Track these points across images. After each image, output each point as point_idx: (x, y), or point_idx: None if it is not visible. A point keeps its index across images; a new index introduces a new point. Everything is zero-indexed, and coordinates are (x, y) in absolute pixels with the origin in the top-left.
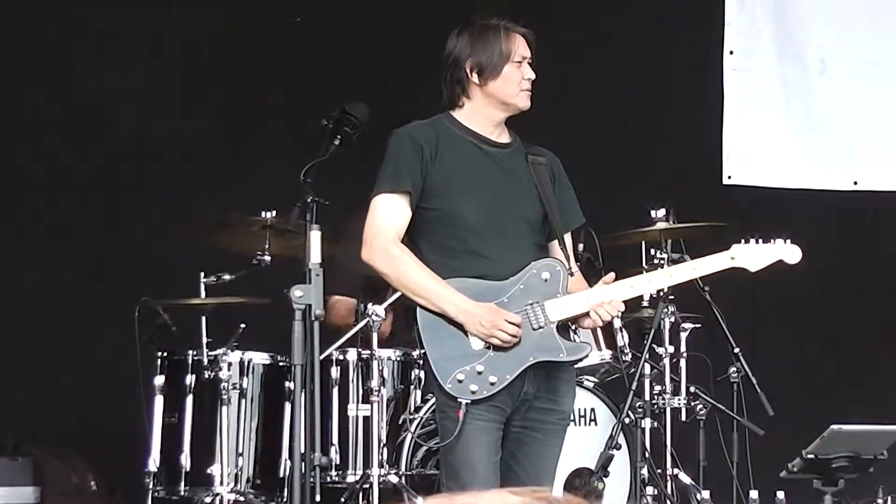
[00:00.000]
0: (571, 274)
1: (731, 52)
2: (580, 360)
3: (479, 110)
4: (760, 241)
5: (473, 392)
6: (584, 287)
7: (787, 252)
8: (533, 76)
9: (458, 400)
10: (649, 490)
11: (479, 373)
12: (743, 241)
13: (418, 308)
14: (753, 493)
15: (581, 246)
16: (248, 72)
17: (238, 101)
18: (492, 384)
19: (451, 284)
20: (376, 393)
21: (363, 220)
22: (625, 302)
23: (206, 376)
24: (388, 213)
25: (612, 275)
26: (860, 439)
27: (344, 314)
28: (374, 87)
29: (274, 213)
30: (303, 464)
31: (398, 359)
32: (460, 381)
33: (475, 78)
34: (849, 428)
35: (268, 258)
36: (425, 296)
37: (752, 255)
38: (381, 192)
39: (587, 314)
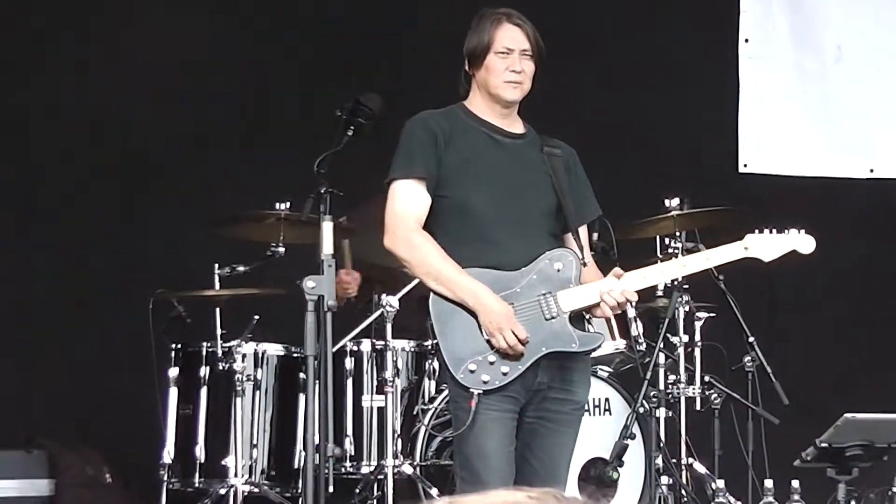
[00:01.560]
0: (584, 264)
1: (747, 41)
2: (593, 350)
3: (480, 100)
4: (774, 231)
5: (485, 382)
6: (597, 278)
7: (801, 242)
8: (519, 68)
9: (471, 390)
10: (664, 479)
11: (492, 363)
12: (757, 231)
13: (431, 298)
14: (768, 482)
15: (596, 236)
16: (262, 63)
17: (253, 93)
18: (504, 374)
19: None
20: (390, 384)
21: (373, 210)
22: (639, 292)
23: (221, 368)
24: (408, 200)
25: (619, 270)
26: (874, 428)
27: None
28: (389, 78)
29: (288, 204)
30: (317, 455)
31: (412, 349)
32: (472, 372)
33: (467, 66)
34: (862, 416)
35: (282, 249)
36: (445, 284)
37: (766, 245)
38: (397, 179)
39: (600, 304)
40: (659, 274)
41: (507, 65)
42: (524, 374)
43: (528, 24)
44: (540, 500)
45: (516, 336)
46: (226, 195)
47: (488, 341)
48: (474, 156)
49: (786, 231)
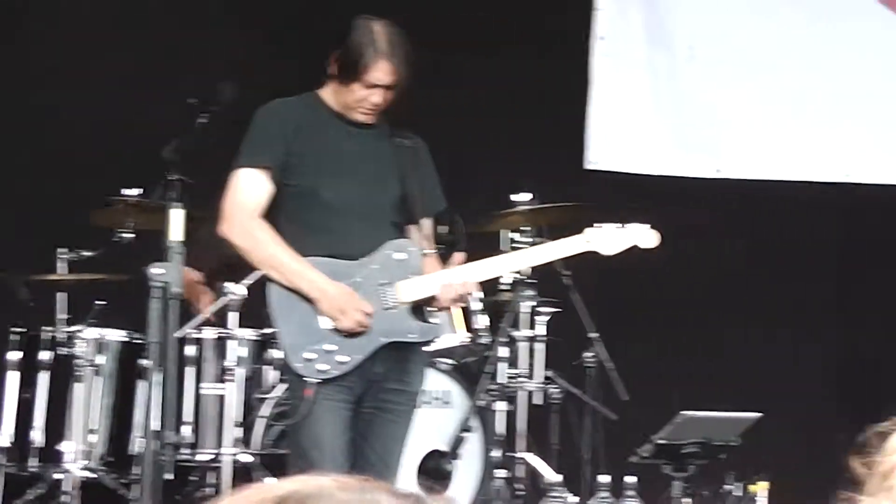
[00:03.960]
0: (427, 256)
1: (602, 38)
2: (432, 340)
3: (334, 96)
4: (617, 225)
5: (322, 371)
6: (438, 269)
7: (643, 237)
8: (378, 101)
9: (307, 379)
10: (500, 473)
11: (329, 352)
12: (597, 225)
13: (270, 286)
14: (604, 478)
15: (446, 229)
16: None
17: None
18: (341, 364)
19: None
20: (231, 372)
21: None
22: (484, 285)
23: (62, 353)
24: (248, 188)
25: (461, 256)
26: (711, 426)
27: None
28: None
29: (142, 190)
30: (155, 441)
31: (255, 338)
32: (309, 361)
33: (333, 69)
34: (698, 414)
35: (129, 235)
36: (280, 270)
37: (607, 239)
38: (241, 167)
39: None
40: (499, 266)
41: (368, 95)
42: (362, 364)
43: (403, 57)
44: (343, 487)
45: (363, 311)
46: (78, 178)
47: (335, 329)
48: (324, 145)
49: (628, 226)
